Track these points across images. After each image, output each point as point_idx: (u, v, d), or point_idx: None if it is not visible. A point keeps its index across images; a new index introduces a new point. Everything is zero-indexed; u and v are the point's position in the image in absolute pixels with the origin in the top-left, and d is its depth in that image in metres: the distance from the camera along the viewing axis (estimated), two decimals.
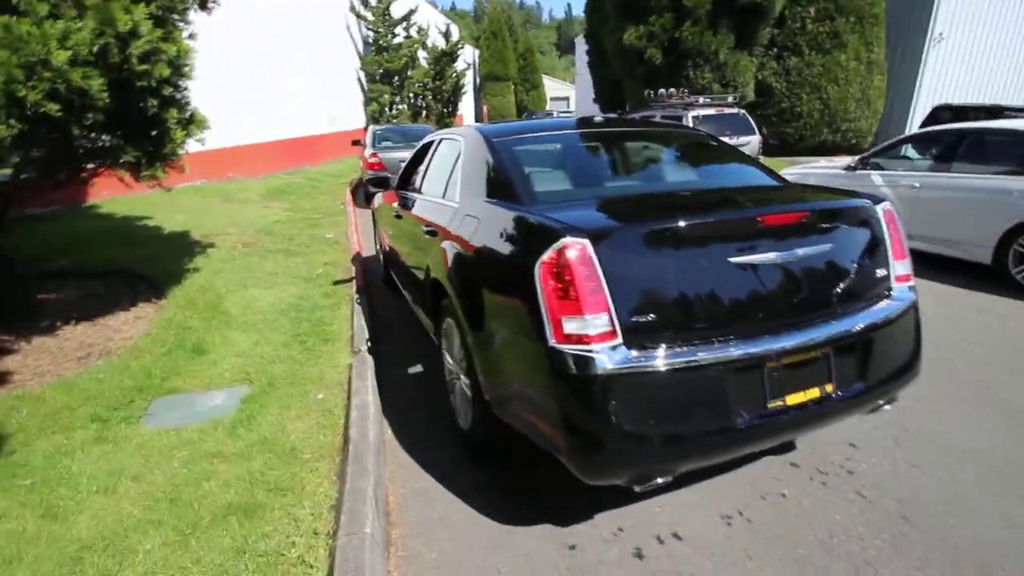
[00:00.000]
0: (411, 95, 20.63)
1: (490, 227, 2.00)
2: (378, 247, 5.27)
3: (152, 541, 1.84)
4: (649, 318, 1.58)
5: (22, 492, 2.10)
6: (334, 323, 3.97)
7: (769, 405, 1.68)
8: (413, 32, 20.52)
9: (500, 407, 1.95)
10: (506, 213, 1.94)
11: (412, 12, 20.06)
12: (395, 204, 3.88)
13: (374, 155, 9.21)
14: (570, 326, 1.54)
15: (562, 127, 2.73)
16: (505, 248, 1.83)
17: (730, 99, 8.95)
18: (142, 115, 2.99)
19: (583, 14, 23.13)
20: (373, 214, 5.03)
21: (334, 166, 15.62)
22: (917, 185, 5.08)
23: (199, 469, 2.27)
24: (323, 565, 1.71)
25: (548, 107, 43.73)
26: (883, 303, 1.95)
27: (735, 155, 2.61)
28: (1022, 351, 3.35)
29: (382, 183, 4.20)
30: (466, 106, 33.12)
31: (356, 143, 11.89)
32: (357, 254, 6.07)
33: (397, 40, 19.93)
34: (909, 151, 5.50)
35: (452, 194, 2.59)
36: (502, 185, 2.16)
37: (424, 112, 22.07)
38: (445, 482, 2.25)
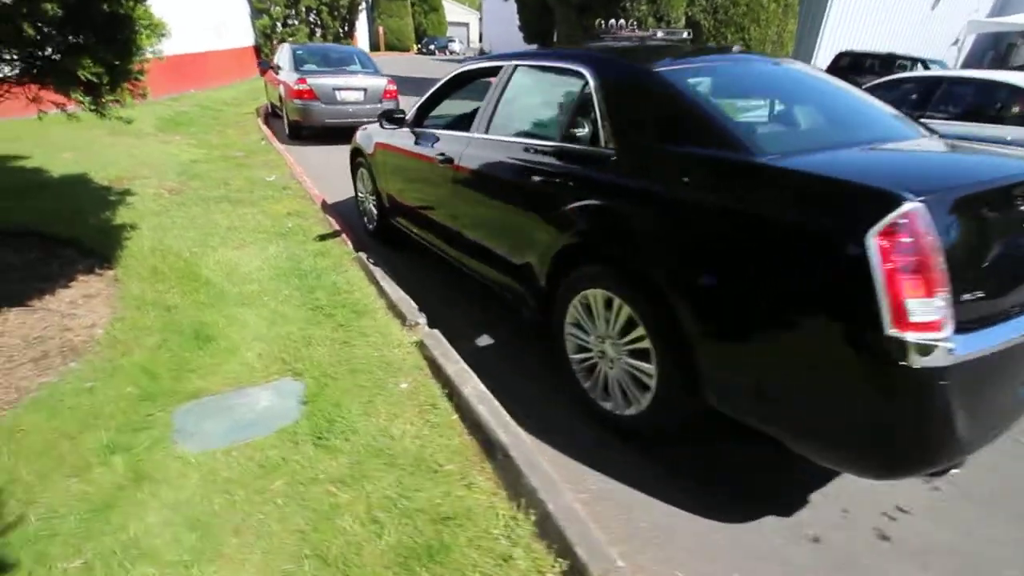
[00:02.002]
0: (305, 9, 17.88)
1: (723, 184, 1.62)
2: (362, 195, 4.49)
3: None
4: (973, 295, 1.37)
5: None
6: (354, 290, 3.32)
7: None
8: None
9: (732, 399, 1.67)
10: (762, 169, 1.56)
11: None
12: (420, 148, 3.22)
13: (302, 81, 7.81)
14: (917, 310, 1.27)
15: (692, 58, 2.30)
16: (778, 213, 1.46)
17: (684, 35, 8.77)
18: (108, 14, 2.03)
19: None
20: (362, 157, 4.21)
21: (227, 92, 13.25)
22: None
23: (316, 503, 1.74)
24: None
25: (448, 33, 40.86)
26: None
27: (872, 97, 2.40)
28: None
29: (397, 120, 3.46)
30: (359, 26, 29.67)
31: (268, 66, 10.03)
32: (323, 202, 5.17)
33: None
34: None
35: (588, 139, 2.10)
36: (701, 130, 1.75)
37: (320, 31, 19.42)
38: (621, 479, 1.95)
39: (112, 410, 2.12)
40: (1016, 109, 4.84)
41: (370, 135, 4.06)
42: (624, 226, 1.89)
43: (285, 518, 1.68)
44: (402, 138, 3.49)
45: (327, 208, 4.97)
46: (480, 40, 38.01)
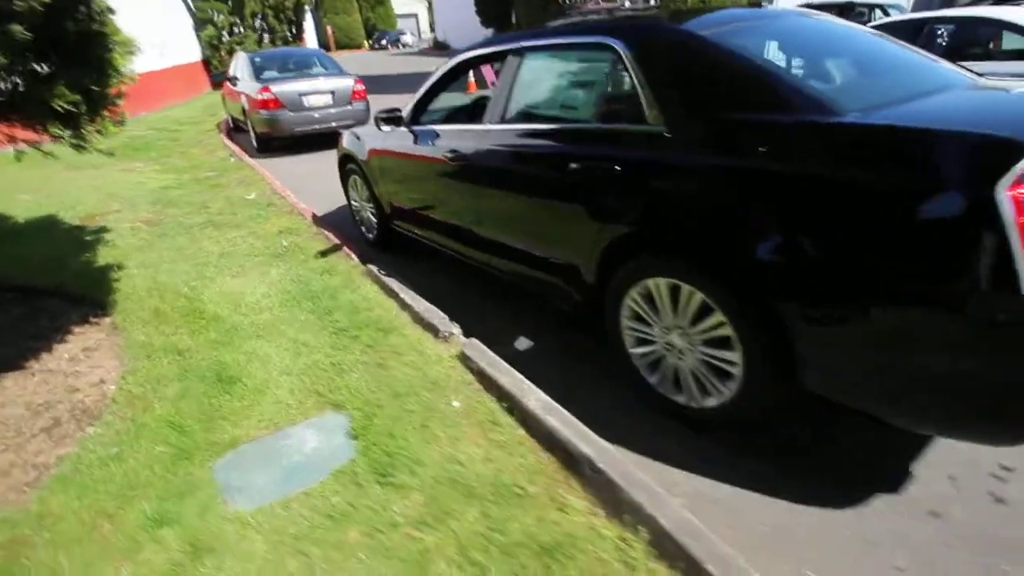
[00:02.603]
0: (251, 15, 17.12)
1: (810, 150, 1.48)
2: (357, 203, 4.26)
3: None
4: None
5: None
6: (373, 306, 3.12)
7: None
8: None
9: (838, 380, 1.56)
10: (852, 129, 1.42)
11: None
12: (426, 147, 3.02)
13: (265, 90, 7.43)
14: None
15: (728, 19, 2.15)
16: (881, 174, 1.33)
17: (652, 2, 8.66)
18: (80, 32, 1.78)
19: None
20: (354, 163, 3.97)
21: (180, 110, 12.65)
22: None
23: (403, 552, 1.59)
24: None
25: (398, 25, 39.91)
26: None
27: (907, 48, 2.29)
28: None
29: (395, 119, 3.24)
30: (307, 27, 28.67)
31: (224, 78, 9.54)
32: (314, 216, 4.91)
33: None
34: None
35: (629, 117, 1.94)
36: (769, 93, 1.61)
37: (269, 35, 18.68)
38: (712, 476, 1.83)
39: (148, 476, 1.92)
40: (1003, 44, 4.83)
41: (361, 140, 3.83)
42: (690, 208, 1.75)
43: (374, 574, 1.53)
44: (401, 139, 3.28)
45: (319, 222, 4.72)
46: (432, 30, 37.12)
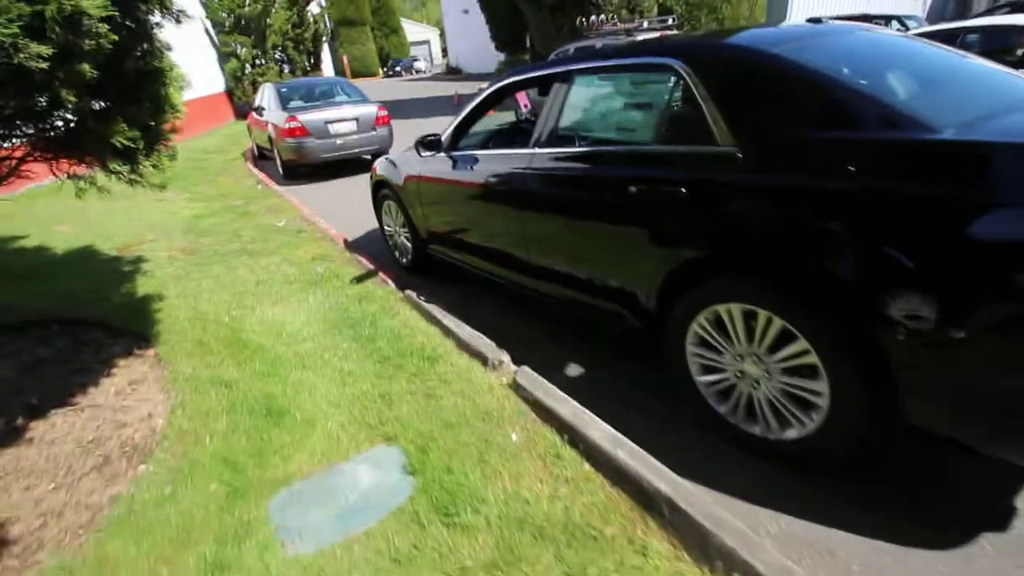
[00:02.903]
0: (272, 47, 17.62)
1: (913, 169, 1.40)
2: (390, 228, 4.24)
3: None
4: None
5: None
6: (415, 334, 3.07)
7: None
8: None
9: (948, 414, 1.45)
10: (958, 146, 1.35)
11: None
12: (467, 172, 2.99)
13: (292, 119, 7.56)
14: None
15: (793, 35, 2.10)
16: (1000, 195, 1.25)
17: (670, 20, 8.71)
18: (138, 69, 1.78)
19: None
20: (388, 188, 3.97)
21: (206, 140, 12.95)
22: None
23: None
24: None
25: (411, 53, 40.87)
26: None
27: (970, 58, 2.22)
28: None
29: (434, 144, 3.23)
30: (324, 57, 29.49)
31: (250, 108, 9.76)
32: (345, 241, 4.92)
33: None
34: None
35: (695, 138, 1.87)
36: (856, 110, 1.54)
37: (289, 66, 19.19)
38: (796, 514, 1.71)
39: (203, 517, 1.86)
40: None
41: (397, 166, 3.82)
42: (771, 230, 1.67)
43: None
44: (441, 164, 3.26)
45: (351, 247, 4.72)
46: (444, 56, 37.92)
